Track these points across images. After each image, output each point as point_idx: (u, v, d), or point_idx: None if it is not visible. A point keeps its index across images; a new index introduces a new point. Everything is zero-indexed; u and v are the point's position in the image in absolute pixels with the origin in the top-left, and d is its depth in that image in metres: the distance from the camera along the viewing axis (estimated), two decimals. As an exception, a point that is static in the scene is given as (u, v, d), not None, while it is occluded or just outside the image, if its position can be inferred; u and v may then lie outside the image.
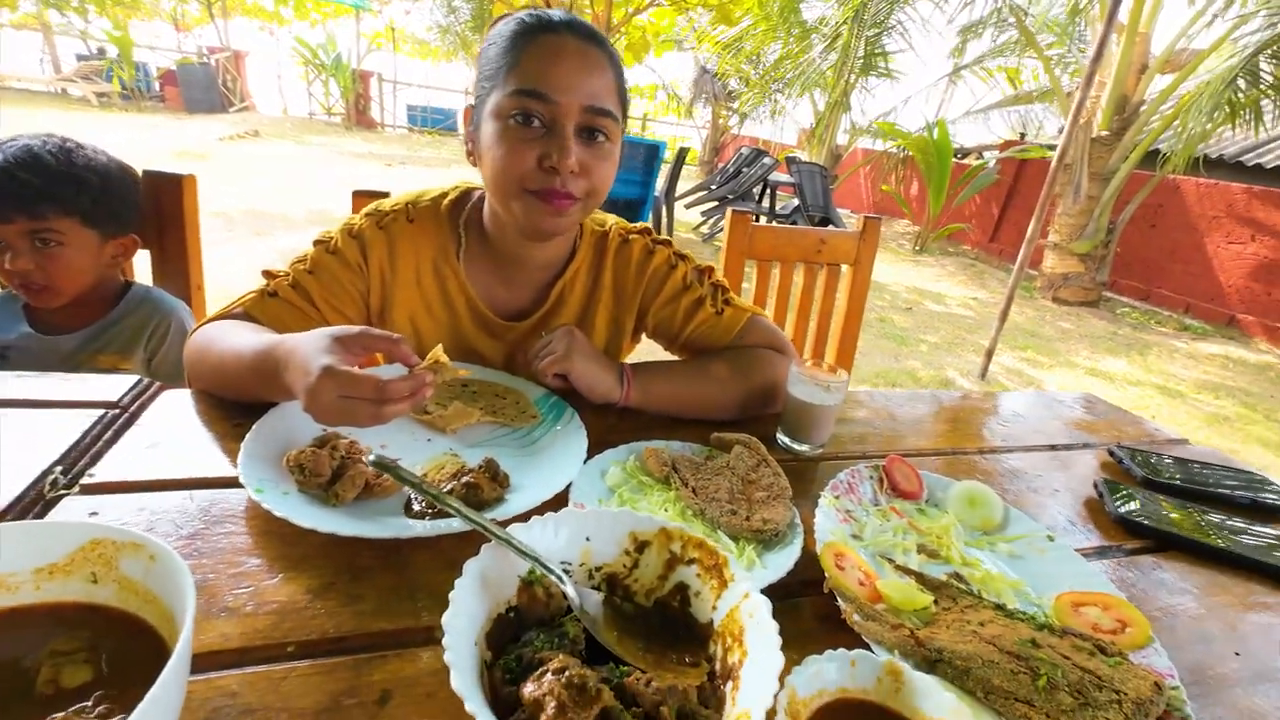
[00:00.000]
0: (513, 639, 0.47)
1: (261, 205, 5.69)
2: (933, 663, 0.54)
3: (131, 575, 0.44)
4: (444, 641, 0.40)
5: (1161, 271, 6.90)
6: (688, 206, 7.67)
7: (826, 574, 0.61)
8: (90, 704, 0.39)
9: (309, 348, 0.63)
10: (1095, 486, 0.94)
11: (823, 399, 0.86)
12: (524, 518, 0.63)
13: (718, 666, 0.49)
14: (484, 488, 0.68)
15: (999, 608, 0.61)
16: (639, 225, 1.05)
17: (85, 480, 0.65)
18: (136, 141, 7.82)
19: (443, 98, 15.69)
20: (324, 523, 0.59)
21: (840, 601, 0.59)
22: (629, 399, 0.93)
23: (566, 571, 0.52)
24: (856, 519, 0.75)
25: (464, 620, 0.44)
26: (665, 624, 0.53)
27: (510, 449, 0.81)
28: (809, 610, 0.62)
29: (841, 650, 0.49)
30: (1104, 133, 6.20)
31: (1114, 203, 6.35)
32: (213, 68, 12.24)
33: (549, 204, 0.82)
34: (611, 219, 1.05)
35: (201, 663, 0.48)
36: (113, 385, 0.83)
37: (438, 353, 0.67)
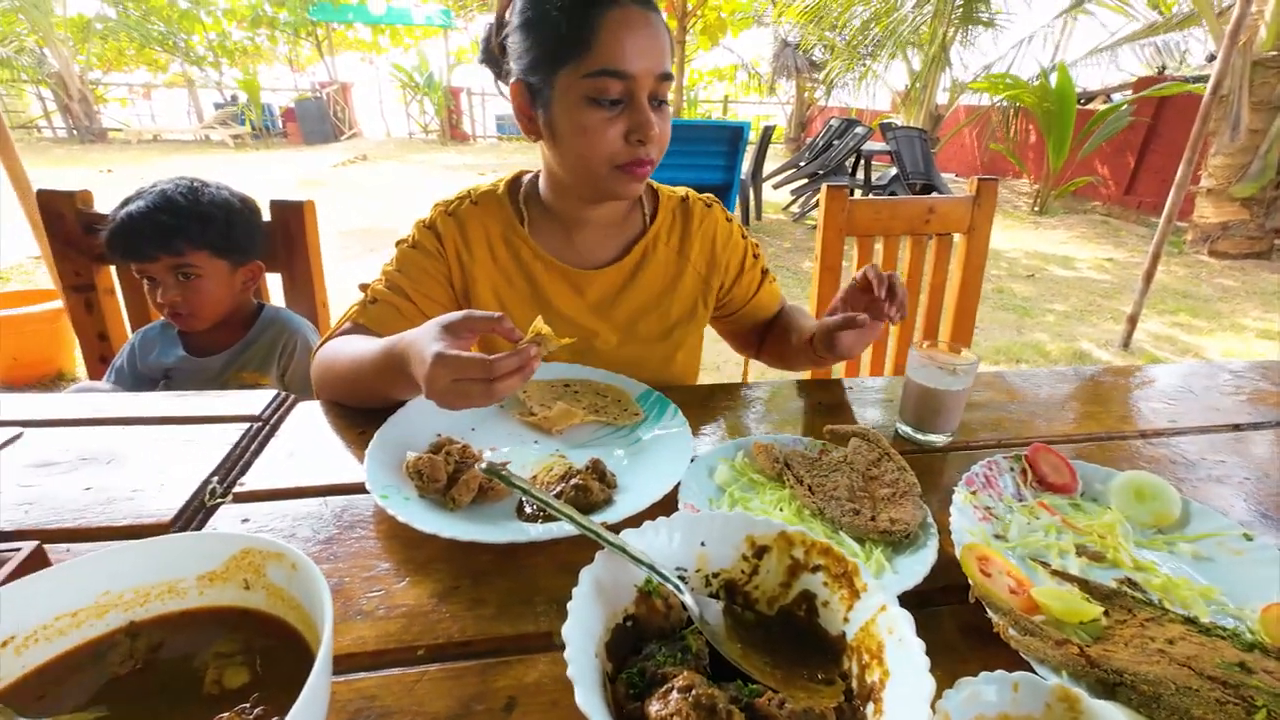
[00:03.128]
0: (633, 650, 0.46)
1: (372, 224, 6.14)
2: (1111, 686, 0.46)
3: (277, 582, 0.47)
4: (566, 655, 0.39)
5: (1354, 210, 5.82)
6: (775, 186, 7.43)
7: (971, 581, 0.55)
8: (249, 705, 0.41)
9: (422, 339, 0.66)
10: (1299, 473, 0.79)
11: (949, 383, 0.78)
12: (635, 520, 0.62)
13: (854, 685, 0.45)
14: (592, 489, 0.67)
15: (1190, 621, 0.52)
16: (707, 194, 1.11)
17: (237, 489, 0.71)
18: (264, 176, 8.69)
19: (528, 104, 16.15)
20: (444, 528, 0.61)
21: (990, 613, 0.52)
22: None
23: (682, 578, 0.50)
24: (998, 517, 0.67)
25: (583, 631, 0.42)
26: (791, 635, 0.50)
27: (615, 448, 0.80)
28: (951, 621, 0.56)
29: (1000, 672, 0.43)
30: (1270, 53, 5.29)
31: (1286, 135, 5.42)
32: (324, 101, 13.37)
33: (634, 173, 0.86)
34: (684, 189, 1.10)
35: (342, 664, 0.50)
36: (255, 400, 0.91)
37: (539, 324, 0.67)
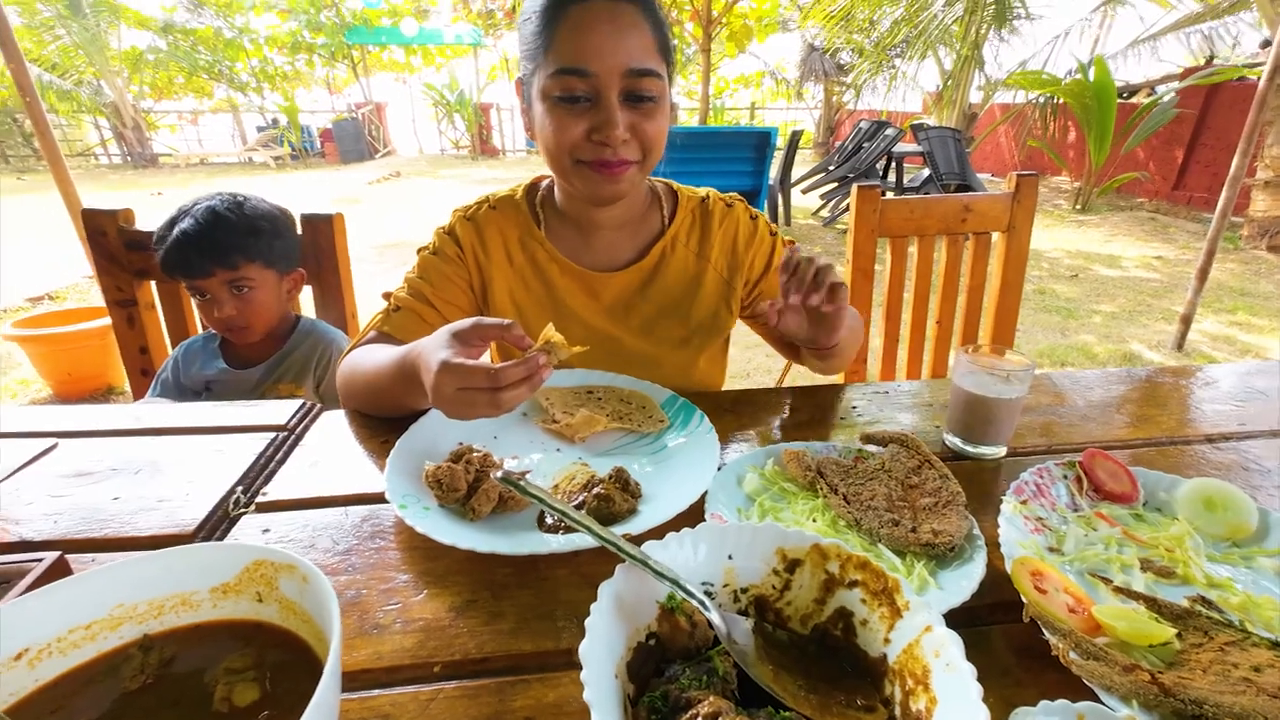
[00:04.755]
0: (656, 671, 0.43)
1: (405, 237, 6.27)
2: (1189, 719, 0.42)
3: (289, 595, 0.45)
4: (583, 676, 0.37)
5: None
6: (804, 191, 7.33)
7: (1025, 598, 0.50)
8: (257, 724, 0.40)
9: (431, 347, 0.65)
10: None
11: (1001, 391, 0.73)
12: (660, 531, 0.59)
13: (897, 712, 0.41)
14: (615, 499, 0.64)
15: (1278, 646, 0.47)
16: (731, 194, 1.07)
17: (260, 499, 0.71)
18: (303, 194, 8.98)
19: (555, 117, 16.36)
20: (463, 539, 0.59)
21: (1048, 634, 0.48)
22: None
23: (709, 594, 0.47)
24: (1052, 528, 0.62)
25: (602, 651, 0.40)
26: (827, 656, 0.46)
27: (639, 456, 0.78)
28: (1003, 642, 0.52)
29: (1062, 701, 0.39)
30: (1329, 37, 5.02)
31: (1350, 122, 5.12)
32: (359, 121, 13.78)
33: (604, 173, 0.84)
34: (705, 189, 1.07)
35: (355, 681, 0.48)
36: (283, 410, 0.91)
37: (549, 332, 0.65)
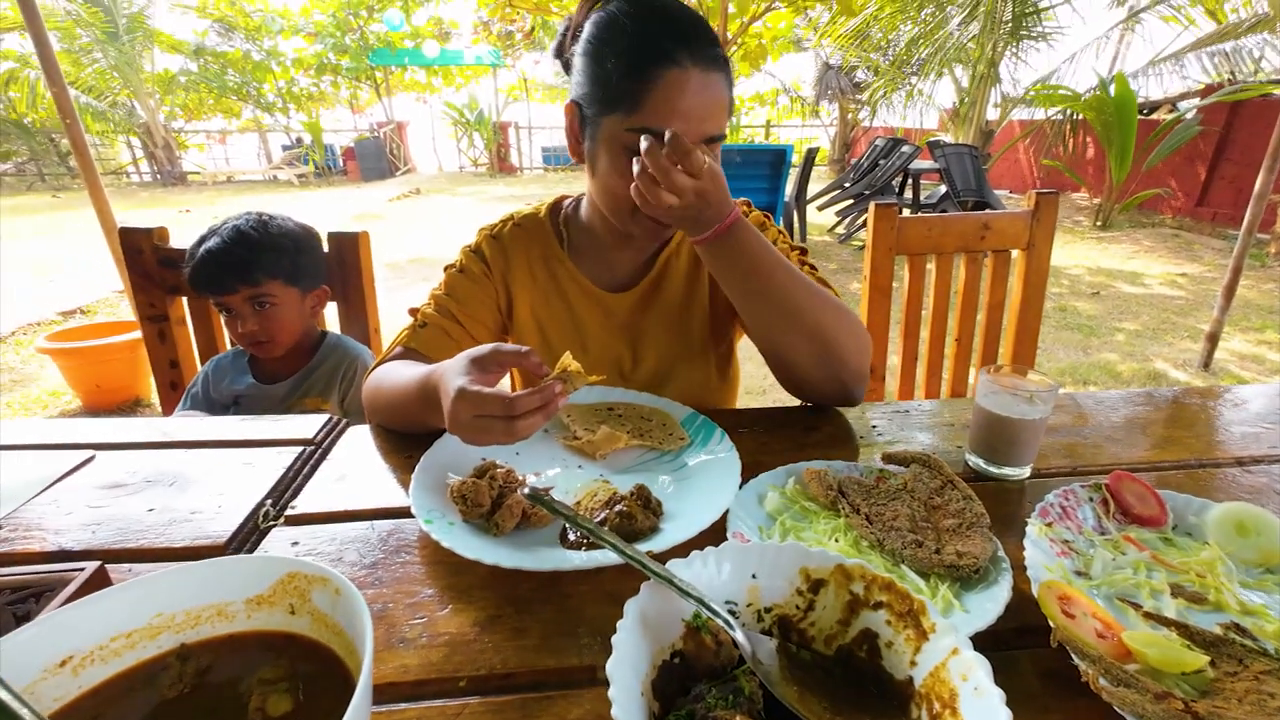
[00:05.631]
0: (680, 689, 0.43)
1: (425, 254, 6.38)
2: (1224, 749, 0.41)
3: (322, 607, 0.46)
4: (610, 694, 0.37)
5: None
6: (820, 209, 7.34)
7: (1052, 623, 0.50)
8: (291, 734, 0.41)
9: (450, 372, 0.66)
10: None
11: (1025, 412, 0.72)
12: (682, 549, 0.59)
13: (924, 736, 0.41)
14: (638, 516, 0.65)
15: (1316, 677, 0.46)
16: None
17: (289, 512, 0.72)
18: (326, 211, 9.18)
19: (572, 136, 16.56)
20: (487, 554, 0.60)
21: (1077, 660, 0.47)
22: (714, 235, 0.78)
23: (733, 613, 0.47)
24: (1079, 552, 0.61)
25: (629, 668, 0.40)
26: (851, 678, 0.46)
27: (660, 473, 0.78)
28: (1029, 666, 0.51)
29: (1093, 728, 0.38)
30: (1355, 53, 4.96)
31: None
32: (381, 140, 14.09)
33: (659, 225, 0.85)
34: None
35: (384, 694, 0.49)
36: (310, 424, 0.93)
37: (566, 360, 0.66)
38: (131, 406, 3.19)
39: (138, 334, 3.06)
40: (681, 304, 1.03)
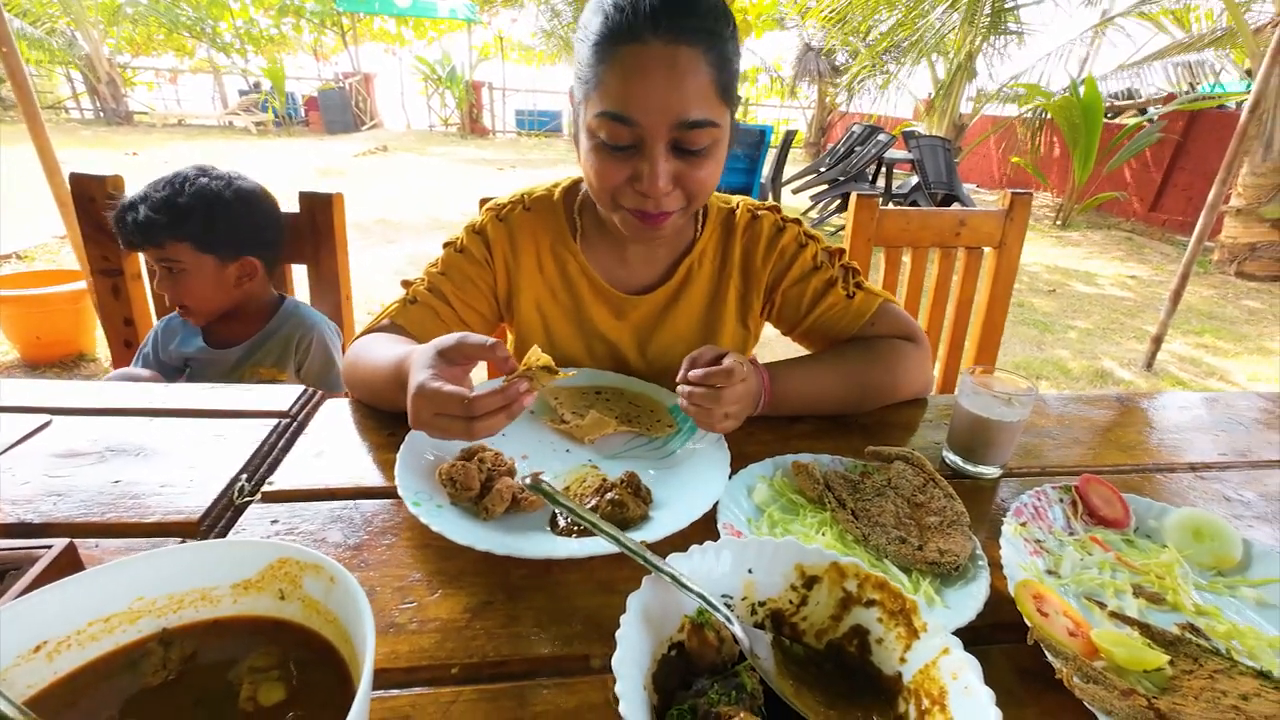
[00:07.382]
0: (680, 683, 0.44)
1: (390, 215, 6.17)
2: (1183, 744, 0.44)
3: (314, 595, 0.45)
4: (617, 689, 0.38)
5: (1388, 236, 5.68)
6: (795, 191, 7.37)
7: (1029, 622, 0.52)
8: (285, 725, 0.40)
9: (416, 364, 0.63)
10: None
11: (1004, 414, 0.75)
12: (674, 539, 0.60)
13: (913, 730, 0.43)
14: (629, 504, 0.65)
15: (1263, 675, 0.50)
16: (768, 203, 1.02)
17: (265, 488, 0.70)
18: (287, 164, 8.73)
19: (548, 100, 16.18)
20: (479, 540, 0.59)
21: (1052, 658, 0.50)
22: (763, 408, 0.85)
23: (728, 605, 0.48)
24: (1050, 551, 0.64)
25: (633, 664, 0.41)
26: (841, 671, 0.48)
27: (648, 460, 0.78)
28: (1005, 662, 0.54)
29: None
30: (1307, 73, 5.18)
31: (1321, 157, 5.31)
32: (346, 91, 13.45)
33: (644, 221, 0.80)
34: (738, 197, 1.02)
35: (376, 680, 0.48)
36: (283, 395, 0.90)
37: (534, 356, 0.63)
38: (75, 361, 3.02)
39: (82, 284, 2.88)
40: (701, 317, 0.98)
